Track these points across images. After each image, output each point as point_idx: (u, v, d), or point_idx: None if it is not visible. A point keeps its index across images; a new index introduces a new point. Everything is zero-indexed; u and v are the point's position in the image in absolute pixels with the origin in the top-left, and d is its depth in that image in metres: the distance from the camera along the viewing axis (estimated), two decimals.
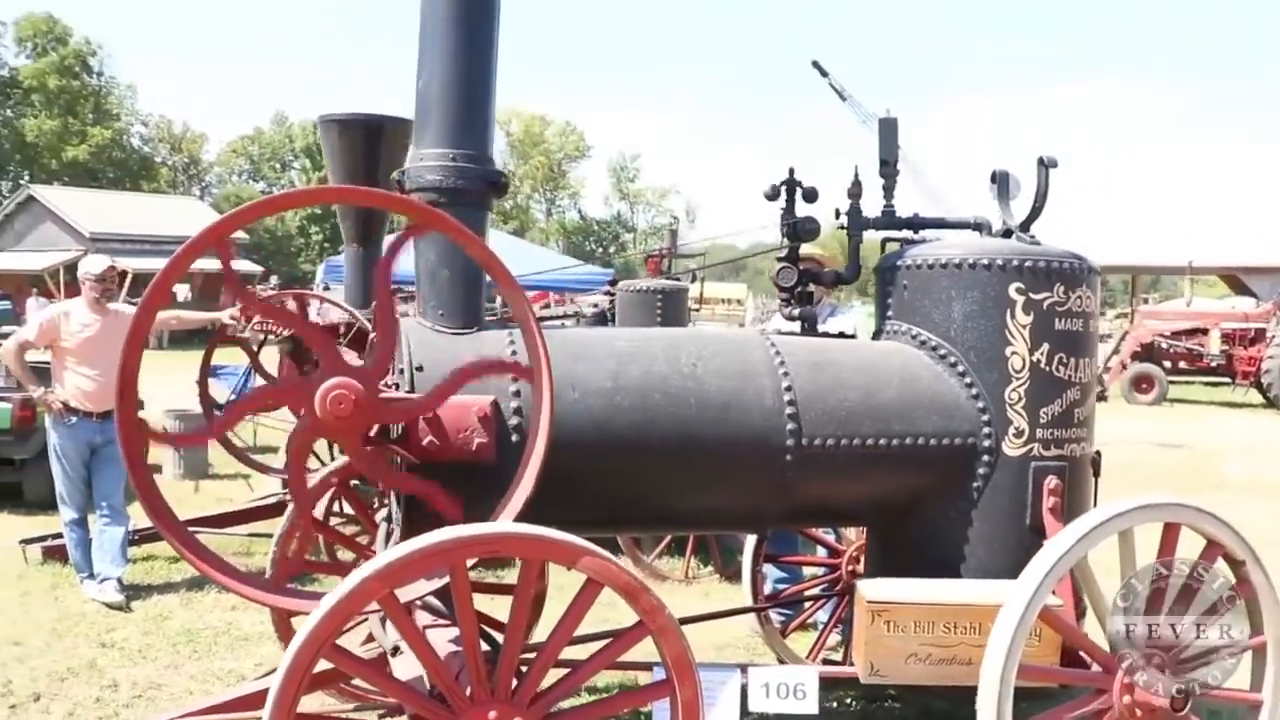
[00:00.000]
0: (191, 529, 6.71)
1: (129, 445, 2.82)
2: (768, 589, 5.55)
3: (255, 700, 3.35)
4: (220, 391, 9.35)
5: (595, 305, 9.21)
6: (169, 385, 9.85)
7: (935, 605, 3.51)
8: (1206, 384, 21.65)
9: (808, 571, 5.54)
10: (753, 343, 3.87)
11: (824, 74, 30.05)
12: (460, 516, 2.95)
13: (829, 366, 3.80)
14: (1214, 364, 20.48)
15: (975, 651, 3.44)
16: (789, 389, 3.65)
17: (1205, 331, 20.67)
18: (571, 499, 3.35)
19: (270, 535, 6.74)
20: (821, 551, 5.37)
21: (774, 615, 5.42)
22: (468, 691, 2.80)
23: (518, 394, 3.34)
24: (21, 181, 51.44)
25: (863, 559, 4.88)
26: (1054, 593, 3.49)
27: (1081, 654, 3.56)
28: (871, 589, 3.59)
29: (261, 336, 6.44)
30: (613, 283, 9.18)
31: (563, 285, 16.52)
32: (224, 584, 2.94)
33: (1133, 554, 3.52)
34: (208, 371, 7.37)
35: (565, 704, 2.99)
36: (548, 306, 15.51)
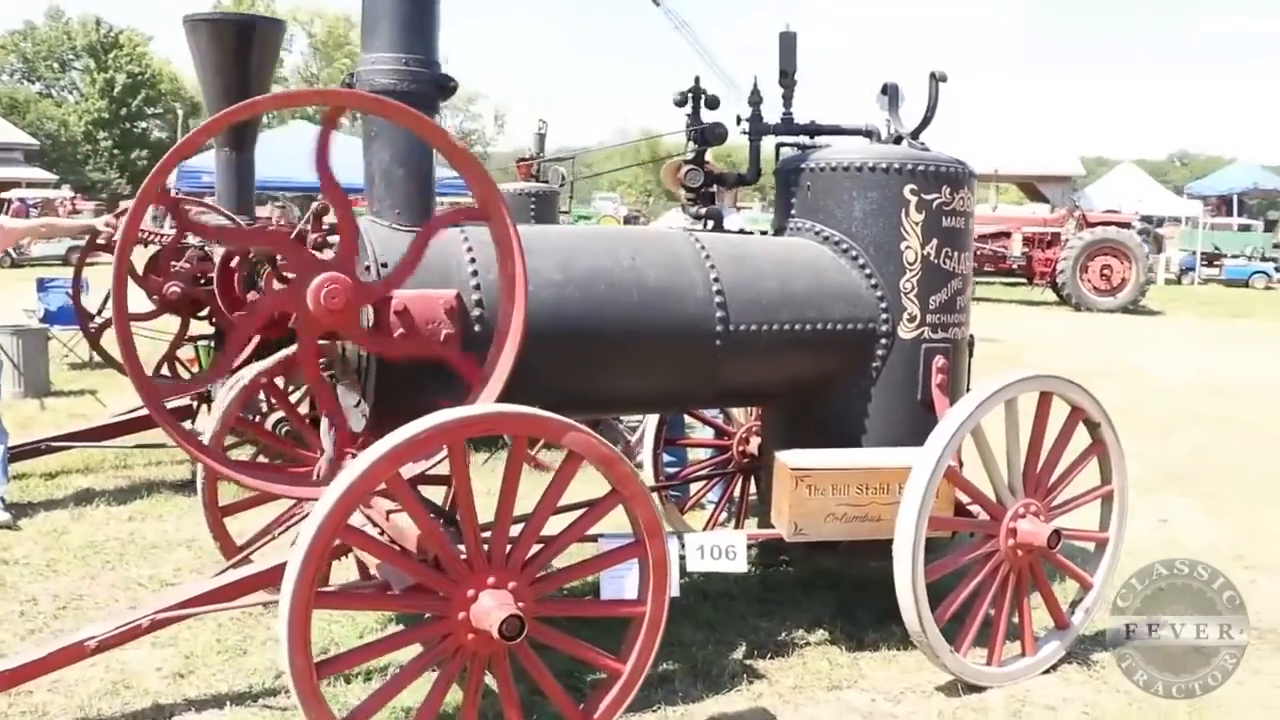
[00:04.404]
0: (70, 444, 6.55)
1: (129, 355, 2.90)
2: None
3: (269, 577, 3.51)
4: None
5: None
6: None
7: (850, 469, 3.97)
8: (1006, 284, 23.39)
9: (700, 453, 5.94)
10: (678, 238, 4.17)
11: None
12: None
13: (748, 259, 4.14)
14: (1016, 265, 22.08)
15: (884, 509, 3.93)
16: (716, 280, 3.97)
17: (1008, 235, 22.25)
18: (528, 385, 3.57)
19: (154, 446, 6.69)
20: (710, 433, 5.79)
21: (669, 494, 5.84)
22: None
23: (478, 287, 3.54)
24: None
25: (753, 439, 5.32)
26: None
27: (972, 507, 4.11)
28: (793, 458, 4.00)
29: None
30: None
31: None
32: (220, 471, 3.08)
33: (1016, 419, 4.06)
34: (80, 283, 7.15)
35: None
36: None
